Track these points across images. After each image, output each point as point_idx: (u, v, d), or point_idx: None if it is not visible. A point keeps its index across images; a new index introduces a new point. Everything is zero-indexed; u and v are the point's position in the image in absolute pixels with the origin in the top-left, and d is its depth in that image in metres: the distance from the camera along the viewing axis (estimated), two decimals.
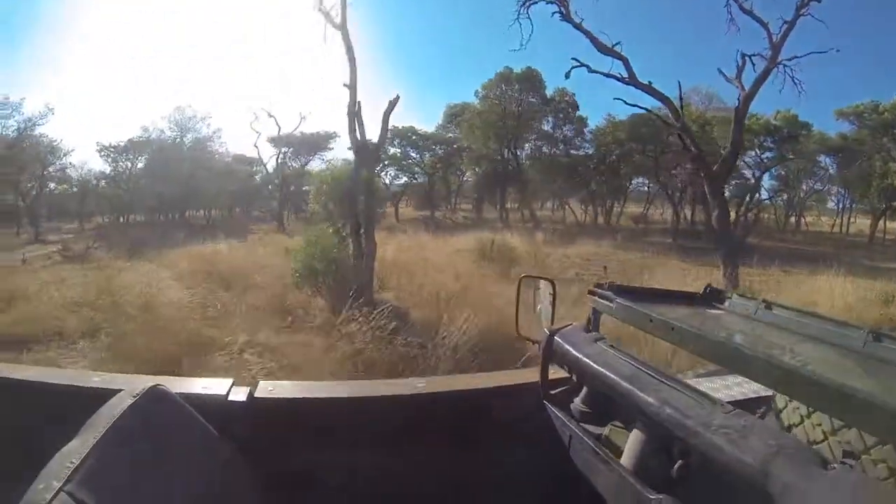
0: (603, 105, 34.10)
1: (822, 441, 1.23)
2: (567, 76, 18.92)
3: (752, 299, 1.75)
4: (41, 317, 9.98)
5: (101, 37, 52.11)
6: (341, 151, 44.99)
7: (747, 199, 27.77)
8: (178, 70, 55.78)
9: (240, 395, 1.63)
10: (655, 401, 1.18)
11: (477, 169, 33.13)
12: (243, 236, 26.31)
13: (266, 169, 36.08)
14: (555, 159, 30.25)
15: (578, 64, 18.35)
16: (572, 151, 30.29)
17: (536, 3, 18.39)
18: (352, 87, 11.72)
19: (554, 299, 1.88)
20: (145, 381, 1.36)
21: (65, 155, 31.54)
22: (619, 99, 18.50)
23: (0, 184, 29.06)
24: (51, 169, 31.89)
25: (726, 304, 1.79)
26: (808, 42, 18.24)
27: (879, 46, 30.10)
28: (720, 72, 18.11)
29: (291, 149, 34.31)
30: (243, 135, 57.24)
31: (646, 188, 32.87)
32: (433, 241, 19.64)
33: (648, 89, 18.00)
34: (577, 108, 29.64)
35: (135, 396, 1.26)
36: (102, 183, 34.67)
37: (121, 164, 34.47)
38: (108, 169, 34.14)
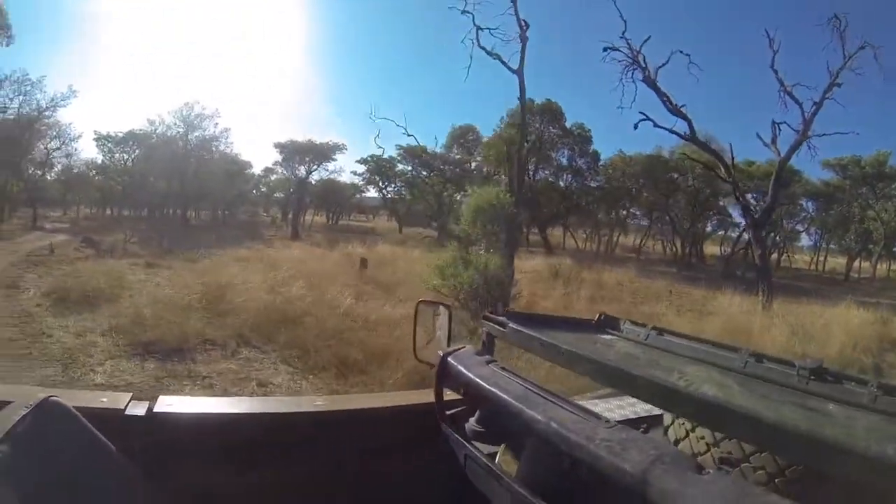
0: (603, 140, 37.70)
1: (706, 452, 1.31)
2: (636, 127, 22.76)
3: (643, 325, 1.88)
4: (166, 320, 9.98)
5: (117, 25, 51.54)
6: (345, 162, 45.71)
7: (739, 235, 31.38)
8: (190, 66, 57.39)
9: (138, 409, 1.61)
10: (543, 418, 1.22)
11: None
12: (268, 241, 27.56)
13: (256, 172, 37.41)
14: (568, 189, 32.74)
15: (645, 118, 22.32)
16: (586, 183, 32.91)
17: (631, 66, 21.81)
18: (523, 132, 13.31)
19: (450, 323, 1.95)
20: (38, 393, 1.34)
21: (71, 141, 31.24)
22: (684, 155, 23.00)
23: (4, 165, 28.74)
24: (56, 154, 31.43)
25: (619, 330, 1.93)
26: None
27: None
28: (758, 137, 22.87)
29: (299, 156, 35.44)
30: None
31: (643, 222, 35.87)
32: None
33: (705, 147, 22.20)
34: (591, 142, 32.30)
35: (27, 408, 1.24)
36: (93, 173, 34.36)
37: (116, 155, 34.36)
38: (101, 159, 33.99)
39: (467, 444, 1.61)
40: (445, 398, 1.74)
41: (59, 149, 31.12)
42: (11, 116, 27.37)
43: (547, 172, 33.52)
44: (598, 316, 2.03)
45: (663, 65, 22.83)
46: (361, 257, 18.16)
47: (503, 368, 1.57)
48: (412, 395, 2.07)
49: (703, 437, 1.35)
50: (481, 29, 23.14)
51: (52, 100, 28.06)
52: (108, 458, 1.36)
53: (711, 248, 35.45)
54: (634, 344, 1.80)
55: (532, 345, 1.60)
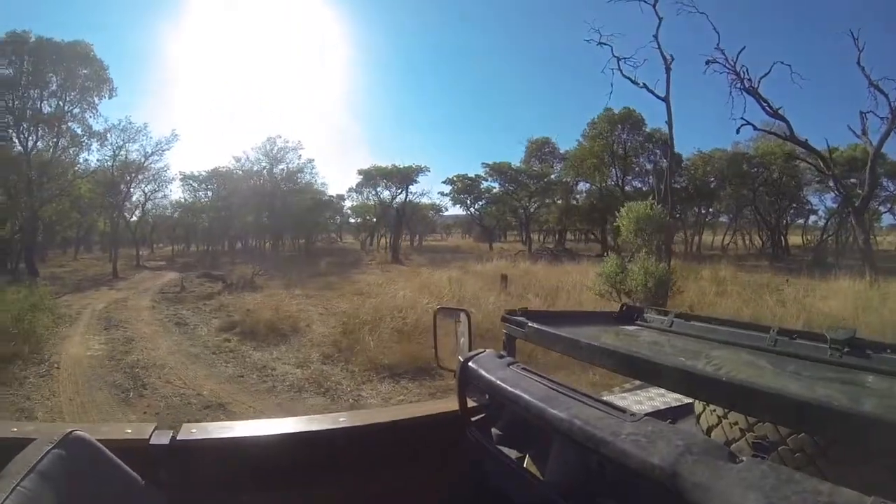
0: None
1: (740, 438, 1.31)
2: (738, 132, 24.37)
3: (666, 313, 1.93)
4: (380, 346, 10.81)
5: (195, 67, 57.67)
6: (425, 184, 47.00)
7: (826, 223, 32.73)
8: (271, 101, 62.14)
9: (162, 438, 1.63)
10: (567, 416, 1.22)
11: (559, 201, 36.93)
12: (369, 266, 29.27)
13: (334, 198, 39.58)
14: (653, 191, 33.28)
15: (745, 122, 24.26)
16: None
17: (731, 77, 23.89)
18: (672, 151, 14.78)
19: (470, 328, 1.97)
20: (61, 429, 1.35)
21: (167, 183, 33.46)
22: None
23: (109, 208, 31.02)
24: (151, 197, 33.64)
25: (642, 319, 1.98)
26: None
27: None
28: (850, 128, 24.28)
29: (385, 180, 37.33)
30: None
31: (721, 219, 37.66)
32: None
33: (805, 145, 23.61)
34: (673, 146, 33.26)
35: (52, 443, 1.26)
36: (172, 212, 36.68)
37: (199, 193, 36.66)
38: (185, 197, 36.25)
39: (492, 450, 1.61)
40: (469, 404, 1.74)
41: (156, 191, 33.36)
42: (118, 162, 29.66)
43: (629, 177, 34.95)
44: (620, 307, 2.10)
45: (765, 74, 24.54)
46: (502, 274, 19.30)
47: (525, 369, 1.56)
48: (435, 404, 2.08)
49: (736, 423, 1.34)
50: (621, 59, 25.82)
51: (158, 144, 30.37)
52: (135, 489, 1.38)
53: (792, 239, 36.39)
54: (659, 332, 1.82)
55: (553, 342, 1.62)
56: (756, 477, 0.86)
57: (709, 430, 1.43)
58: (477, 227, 45.56)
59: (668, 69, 24.49)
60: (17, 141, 26.93)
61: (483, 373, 1.59)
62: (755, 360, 1.45)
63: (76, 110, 28.05)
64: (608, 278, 14.75)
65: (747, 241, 36.40)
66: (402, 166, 36.91)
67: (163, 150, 30.87)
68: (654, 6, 24.52)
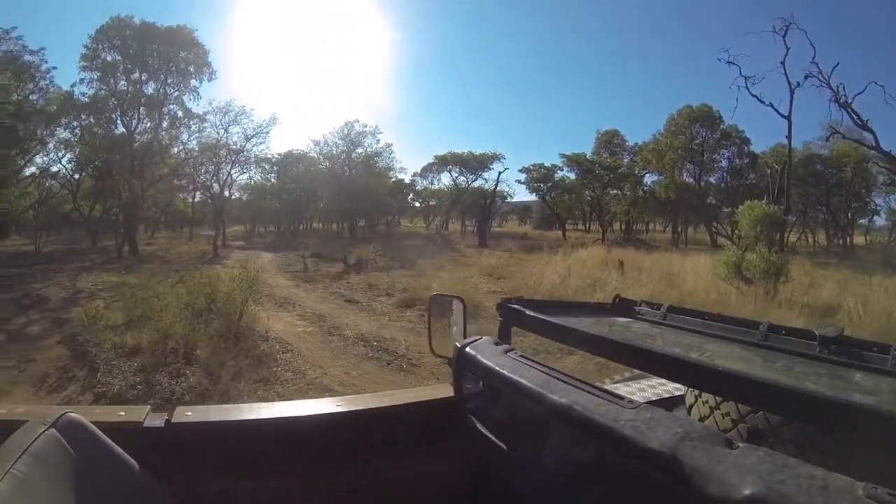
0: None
1: (731, 429, 1.39)
2: (827, 140, 27.23)
3: (659, 305, 2.00)
4: None
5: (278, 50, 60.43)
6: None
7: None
8: (350, 86, 62.55)
9: (156, 421, 1.65)
10: (566, 402, 1.27)
11: (628, 192, 39.10)
12: (465, 250, 30.95)
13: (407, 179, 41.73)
14: (730, 188, 35.82)
15: (835, 131, 27.75)
16: (745, 182, 36.07)
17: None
18: (790, 158, 17.02)
19: (465, 315, 2.04)
20: (53, 411, 1.38)
21: (252, 164, 35.56)
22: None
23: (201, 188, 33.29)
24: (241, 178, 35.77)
25: (635, 310, 2.05)
26: None
27: None
28: None
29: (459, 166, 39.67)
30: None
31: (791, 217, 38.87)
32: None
33: (887, 154, 26.16)
34: (749, 143, 35.76)
35: (45, 425, 1.28)
36: (244, 195, 38.72)
37: (271, 175, 38.65)
38: (258, 180, 38.10)
39: (489, 436, 1.64)
40: (465, 390, 1.80)
41: (243, 173, 35.35)
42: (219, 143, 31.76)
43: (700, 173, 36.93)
44: (613, 298, 2.16)
45: (860, 93, 27.08)
46: (619, 259, 21.25)
47: (522, 356, 1.60)
48: (431, 389, 2.11)
49: (728, 414, 1.42)
50: (748, 78, 28.80)
51: (259, 126, 32.40)
52: (129, 471, 1.39)
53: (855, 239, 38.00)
54: (651, 324, 1.90)
55: (550, 330, 1.70)
56: (753, 462, 0.92)
57: (700, 420, 1.48)
58: (536, 216, 48.08)
59: (791, 90, 27.62)
60: (120, 123, 28.84)
61: (481, 358, 1.65)
62: (747, 354, 1.51)
63: (176, 93, 29.94)
64: (729, 265, 17.07)
65: (812, 240, 38.16)
66: (477, 153, 39.33)
67: (265, 133, 32.93)
68: (783, 38, 27.51)
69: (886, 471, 0.90)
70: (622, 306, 2.12)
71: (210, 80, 30.42)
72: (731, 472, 0.91)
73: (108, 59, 28.29)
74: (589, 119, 61.12)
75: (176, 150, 31.41)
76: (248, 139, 32.40)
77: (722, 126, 35.32)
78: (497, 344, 1.74)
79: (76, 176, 30.60)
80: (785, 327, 1.62)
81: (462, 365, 1.75)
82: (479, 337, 1.80)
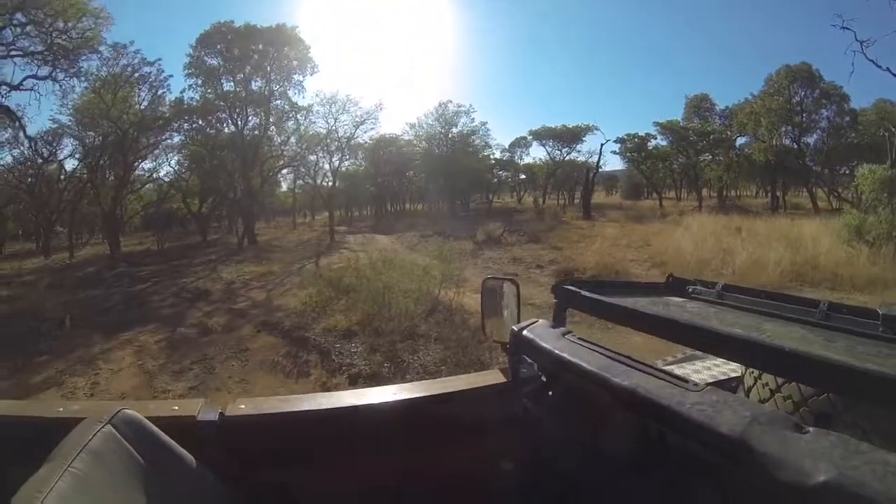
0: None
1: (794, 412, 1.40)
2: None
3: (713, 284, 2.00)
4: None
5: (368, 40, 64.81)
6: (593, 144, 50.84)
7: None
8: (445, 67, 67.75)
9: (210, 415, 1.69)
10: (630, 385, 1.29)
11: (720, 157, 39.22)
12: (572, 223, 31.90)
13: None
14: (829, 149, 35.57)
15: None
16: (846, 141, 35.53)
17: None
18: None
19: (518, 298, 2.04)
20: (111, 407, 1.41)
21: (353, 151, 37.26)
22: None
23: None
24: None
25: (689, 290, 2.04)
26: None
27: None
28: None
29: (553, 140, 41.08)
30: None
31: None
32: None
33: None
34: (848, 100, 35.15)
35: (101, 422, 1.32)
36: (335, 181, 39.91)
37: (362, 161, 40.36)
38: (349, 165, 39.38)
39: (548, 420, 1.69)
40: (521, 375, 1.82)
41: (347, 160, 36.71)
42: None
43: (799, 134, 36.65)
44: (666, 278, 2.15)
45: None
46: (736, 226, 22.38)
47: (581, 339, 1.63)
48: (484, 375, 2.09)
49: (790, 397, 1.44)
50: (863, 42, 28.38)
51: (368, 113, 33.69)
52: (186, 466, 1.43)
53: None
54: (707, 304, 1.88)
55: (606, 311, 1.70)
56: (825, 447, 0.91)
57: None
58: (624, 186, 49.18)
59: None
60: (229, 122, 30.63)
61: (540, 342, 1.67)
62: (806, 333, 1.47)
63: (281, 89, 31.32)
64: (850, 229, 18.58)
65: None
66: (571, 126, 40.51)
67: (374, 119, 34.28)
68: None
69: None
70: (675, 285, 2.12)
71: (312, 74, 31.75)
72: (803, 458, 0.91)
73: (212, 63, 30.15)
74: (676, 85, 62.22)
75: (284, 141, 33.29)
76: (356, 126, 33.76)
77: (822, 84, 34.88)
78: (554, 327, 1.78)
79: (185, 176, 33.11)
80: (846, 306, 1.60)
81: (518, 349, 1.79)
82: (535, 320, 1.84)
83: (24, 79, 23.31)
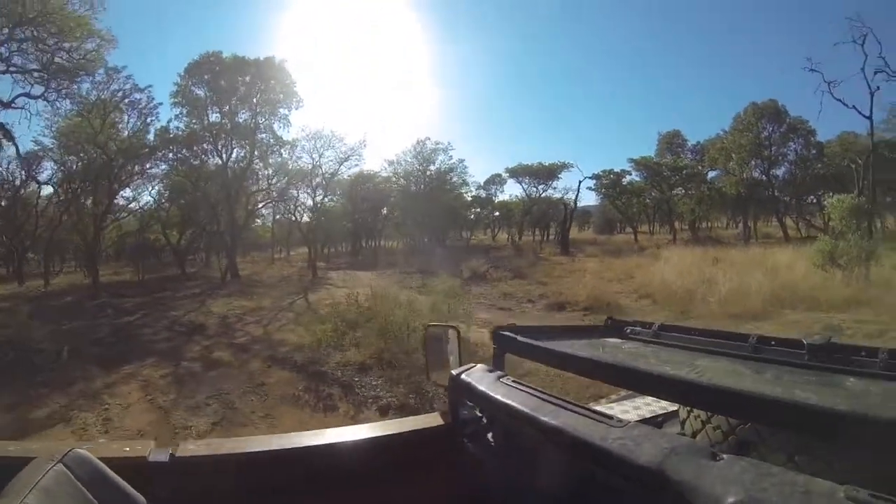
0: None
1: (723, 441, 1.43)
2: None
3: (650, 324, 2.04)
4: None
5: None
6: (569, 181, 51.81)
7: None
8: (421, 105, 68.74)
9: (161, 456, 1.71)
10: (557, 423, 1.33)
11: (692, 191, 40.54)
12: (550, 259, 32.75)
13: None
14: (797, 180, 37.33)
15: None
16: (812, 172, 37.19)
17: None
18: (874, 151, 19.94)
19: (459, 344, 2.12)
20: (60, 447, 1.41)
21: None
22: None
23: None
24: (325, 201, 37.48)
25: (627, 331, 2.08)
26: None
27: None
28: None
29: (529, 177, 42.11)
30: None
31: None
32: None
33: None
34: (814, 134, 36.91)
35: (53, 460, 1.32)
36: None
37: (340, 198, 40.25)
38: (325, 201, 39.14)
39: (486, 461, 1.74)
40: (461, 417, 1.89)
41: (326, 196, 36.86)
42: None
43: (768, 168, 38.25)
44: (605, 320, 2.23)
45: None
46: (714, 256, 23.37)
47: (516, 381, 1.68)
48: (427, 418, 2.14)
49: (718, 427, 1.49)
50: (830, 83, 30.15)
51: (352, 149, 34.31)
52: None
53: None
54: (644, 344, 1.94)
55: (542, 355, 1.78)
56: (736, 472, 0.96)
57: (693, 435, 1.55)
58: (597, 221, 50.34)
59: (872, 94, 29.27)
60: (214, 153, 30.55)
61: (475, 385, 1.73)
62: (737, 367, 1.55)
63: (266, 122, 31.54)
64: (824, 253, 19.68)
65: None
66: (547, 163, 41.68)
67: (359, 155, 35.02)
68: (862, 46, 28.80)
69: (877, 472, 0.96)
70: (614, 327, 2.16)
71: (297, 108, 32.07)
72: (715, 484, 0.95)
73: (199, 93, 30.24)
74: (648, 122, 64.55)
75: (271, 175, 33.55)
76: (340, 163, 34.54)
77: (788, 119, 36.70)
78: (490, 371, 1.82)
79: (165, 206, 32.87)
80: (774, 338, 1.67)
81: (457, 392, 1.84)
82: (472, 365, 1.88)
83: (17, 96, 23.03)
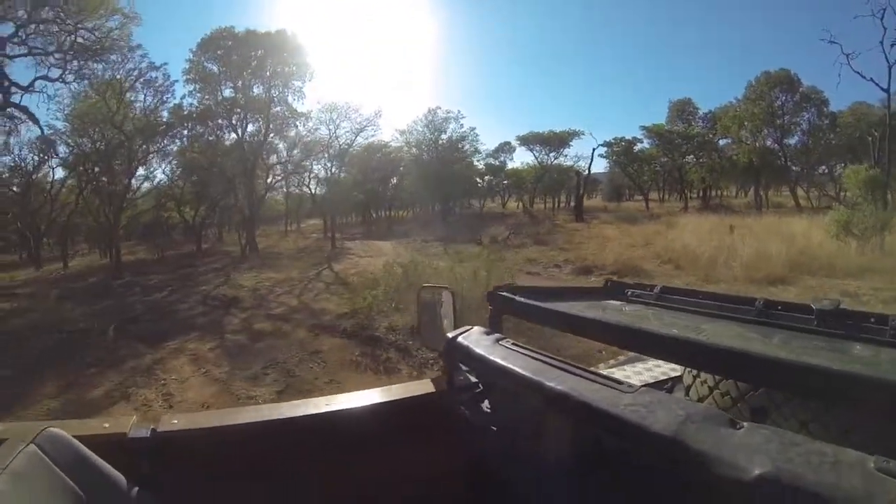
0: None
1: (731, 407, 1.42)
2: None
3: (651, 287, 2.01)
4: None
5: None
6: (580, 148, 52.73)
7: None
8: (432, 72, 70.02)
9: (141, 431, 1.65)
10: (564, 389, 1.29)
11: (703, 159, 41.29)
12: (565, 226, 33.23)
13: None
14: (809, 149, 37.78)
15: None
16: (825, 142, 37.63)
17: None
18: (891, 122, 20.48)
19: (455, 306, 2.05)
20: (34, 427, 1.37)
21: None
22: None
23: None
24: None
25: (628, 293, 2.05)
26: None
27: None
28: None
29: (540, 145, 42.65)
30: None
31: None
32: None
33: None
34: (827, 104, 37.98)
35: (25, 440, 1.28)
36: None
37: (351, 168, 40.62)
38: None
39: (484, 428, 1.66)
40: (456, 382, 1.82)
41: (341, 168, 37.53)
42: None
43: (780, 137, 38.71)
44: (605, 282, 2.20)
45: None
46: (730, 224, 23.79)
47: (515, 344, 1.62)
48: (421, 384, 2.09)
49: (727, 393, 1.47)
50: (849, 55, 30.82)
51: (367, 119, 35.06)
52: (115, 485, 1.39)
53: None
54: (645, 306, 1.91)
55: (542, 316, 1.74)
56: (759, 441, 0.93)
57: (699, 401, 1.52)
58: (606, 189, 51.16)
59: (889, 67, 29.89)
60: (229, 129, 31.22)
61: (473, 349, 1.66)
62: (744, 331, 1.50)
63: (281, 95, 31.86)
64: (839, 223, 20.09)
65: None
66: (558, 131, 42.19)
67: (375, 125, 35.53)
68: (881, 20, 29.30)
69: (890, 442, 0.93)
70: (614, 289, 2.14)
71: (310, 80, 32.23)
72: (738, 453, 0.92)
73: (211, 69, 30.55)
74: (658, 89, 64.87)
75: (290, 147, 34.00)
76: (356, 134, 35.19)
77: (801, 89, 37.08)
78: (488, 333, 1.76)
79: (179, 184, 33.17)
80: (781, 302, 1.64)
81: (453, 356, 1.78)
82: (469, 327, 1.82)
83: (35, 80, 23.02)
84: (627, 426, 1.11)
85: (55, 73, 23.17)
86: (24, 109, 22.62)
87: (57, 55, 22.44)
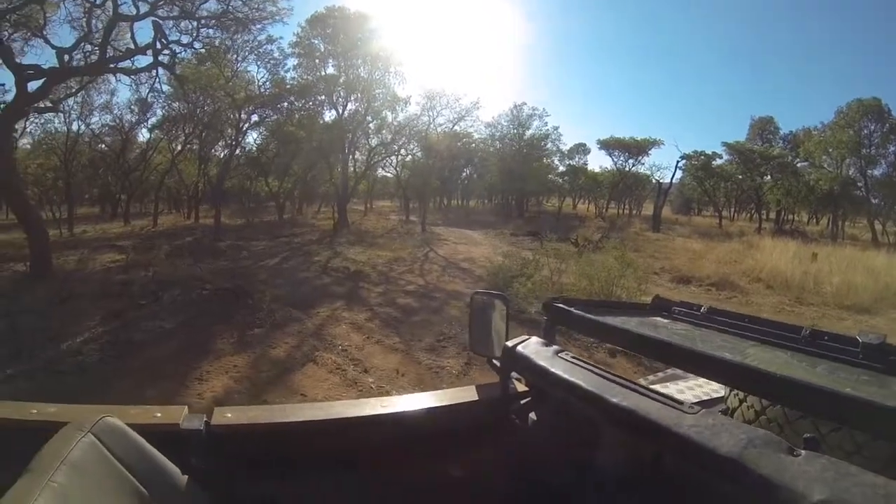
0: None
1: (779, 433, 1.38)
2: None
3: (698, 306, 2.08)
4: None
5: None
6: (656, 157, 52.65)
7: None
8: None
9: (194, 423, 1.70)
10: (627, 405, 1.34)
11: (780, 182, 42.32)
12: (642, 233, 34.79)
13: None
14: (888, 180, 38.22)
15: None
16: None
17: None
18: None
19: (507, 313, 2.09)
20: (92, 413, 1.40)
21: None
22: None
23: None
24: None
25: (674, 311, 2.13)
26: None
27: None
28: None
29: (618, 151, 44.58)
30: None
31: None
32: None
33: None
34: None
35: (83, 430, 1.31)
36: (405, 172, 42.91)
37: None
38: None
39: (539, 438, 1.76)
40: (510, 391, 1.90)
41: (429, 154, 39.55)
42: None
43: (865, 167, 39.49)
44: (652, 298, 2.28)
45: None
46: (813, 252, 24.66)
47: (574, 357, 1.69)
48: (469, 390, 2.12)
49: (774, 420, 1.53)
50: None
51: (466, 109, 36.90)
52: (171, 478, 1.44)
53: None
54: (692, 326, 1.98)
55: (597, 330, 1.81)
56: (818, 469, 0.98)
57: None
58: (676, 201, 52.93)
59: None
60: (331, 105, 32.87)
61: (534, 359, 1.73)
62: (789, 358, 1.57)
63: (381, 77, 33.32)
64: None
65: None
66: (639, 138, 44.26)
67: (474, 116, 37.42)
68: None
69: None
70: (661, 305, 2.21)
71: (410, 66, 33.81)
72: (798, 480, 0.98)
73: (317, 45, 31.96)
74: (737, 105, 66.21)
75: (398, 129, 36.08)
76: (455, 122, 37.14)
77: (891, 118, 37.77)
78: (546, 345, 1.83)
79: (268, 154, 35.31)
80: (827, 333, 1.70)
81: (510, 365, 1.86)
82: (526, 337, 1.90)
83: (168, 44, 22.67)
84: (691, 446, 1.18)
85: (185, 39, 23.01)
86: (170, 67, 22.87)
87: (192, 21, 22.39)
